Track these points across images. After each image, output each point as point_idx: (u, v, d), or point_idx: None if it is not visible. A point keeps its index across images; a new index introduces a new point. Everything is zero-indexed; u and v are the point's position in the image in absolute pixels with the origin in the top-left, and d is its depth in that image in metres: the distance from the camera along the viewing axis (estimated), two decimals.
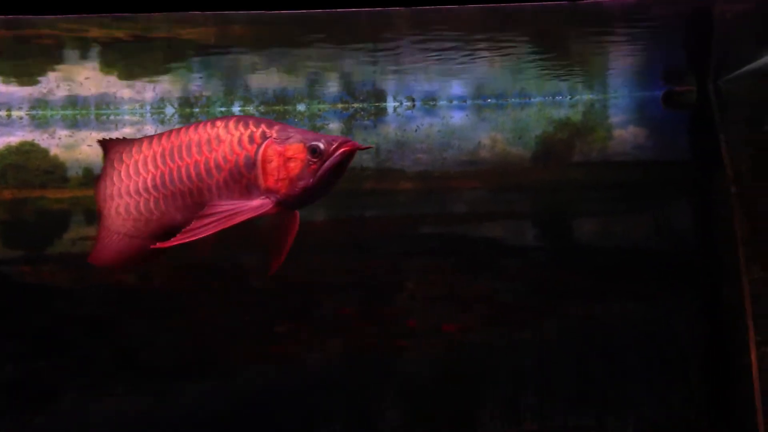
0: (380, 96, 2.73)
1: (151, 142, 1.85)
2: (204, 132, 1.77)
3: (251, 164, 1.71)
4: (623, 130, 2.77)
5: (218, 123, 1.78)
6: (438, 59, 2.38)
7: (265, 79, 2.54)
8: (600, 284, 2.72)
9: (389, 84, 2.65)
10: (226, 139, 1.74)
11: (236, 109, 2.71)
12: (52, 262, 2.65)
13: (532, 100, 2.78)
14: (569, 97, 2.78)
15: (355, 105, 2.75)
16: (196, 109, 2.69)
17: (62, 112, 2.67)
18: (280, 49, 2.28)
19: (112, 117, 2.69)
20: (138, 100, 2.63)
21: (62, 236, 2.65)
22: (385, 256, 2.71)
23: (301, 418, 2.67)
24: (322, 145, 1.67)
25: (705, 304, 2.67)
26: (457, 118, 2.77)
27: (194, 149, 1.76)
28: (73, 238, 2.64)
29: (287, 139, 1.70)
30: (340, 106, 2.76)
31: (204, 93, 2.61)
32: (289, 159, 1.68)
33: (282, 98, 2.69)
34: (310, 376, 2.68)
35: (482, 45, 2.27)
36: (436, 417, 2.70)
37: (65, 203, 2.66)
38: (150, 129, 2.68)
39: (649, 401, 2.67)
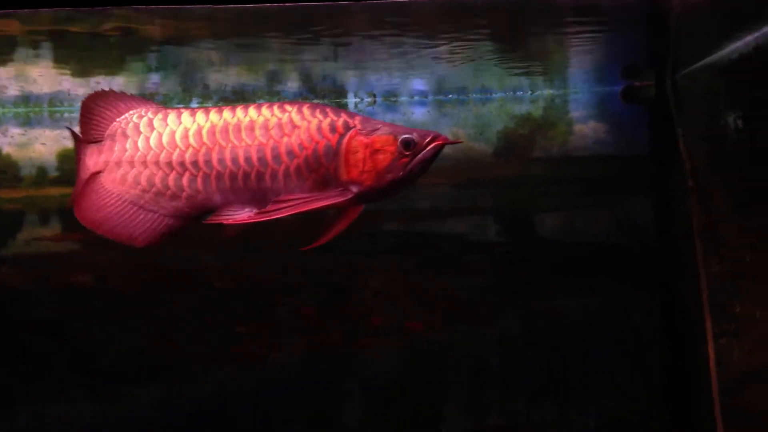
0: (341, 92, 2.71)
1: (191, 115, 1.73)
2: (271, 114, 1.69)
3: (332, 154, 1.66)
4: (584, 126, 2.78)
5: (288, 107, 1.70)
6: (399, 54, 2.37)
7: (224, 75, 2.51)
8: (561, 279, 2.73)
9: (350, 80, 2.63)
10: (302, 125, 1.67)
11: (194, 105, 2.67)
12: (6, 263, 2.59)
13: (494, 95, 2.78)
14: (530, 92, 2.78)
15: (316, 101, 2.73)
16: None
17: (14, 109, 2.61)
18: (238, 44, 2.26)
19: (66, 114, 2.63)
20: None
21: (16, 237, 2.59)
22: (348, 254, 2.69)
23: (263, 419, 2.65)
24: (415, 138, 1.65)
25: (664, 298, 2.70)
26: (419, 113, 2.76)
27: (259, 131, 1.68)
28: (27, 239, 2.59)
29: (374, 130, 1.67)
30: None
31: (161, 89, 2.57)
32: (377, 151, 1.65)
33: (241, 94, 2.65)
34: (272, 377, 2.66)
35: (443, 40, 2.27)
36: (400, 414, 2.70)
37: (19, 203, 2.60)
38: None
39: (610, 395, 2.69)
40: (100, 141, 1.77)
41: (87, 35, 2.09)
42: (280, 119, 1.68)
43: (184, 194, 1.70)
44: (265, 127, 1.68)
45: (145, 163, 1.72)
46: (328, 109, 1.70)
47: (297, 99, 2.73)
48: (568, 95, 2.79)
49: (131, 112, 1.76)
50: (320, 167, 1.66)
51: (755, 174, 2.08)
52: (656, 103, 2.66)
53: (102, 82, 2.44)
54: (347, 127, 1.67)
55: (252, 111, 1.70)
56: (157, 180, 1.72)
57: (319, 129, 1.67)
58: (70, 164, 2.60)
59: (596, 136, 2.77)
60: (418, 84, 2.70)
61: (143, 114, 1.76)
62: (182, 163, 1.70)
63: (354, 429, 2.68)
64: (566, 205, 2.78)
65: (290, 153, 1.66)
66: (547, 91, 2.78)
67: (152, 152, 1.72)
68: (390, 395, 2.69)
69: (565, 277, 2.73)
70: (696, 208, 2.45)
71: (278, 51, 2.33)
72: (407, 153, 1.64)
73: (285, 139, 1.67)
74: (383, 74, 2.58)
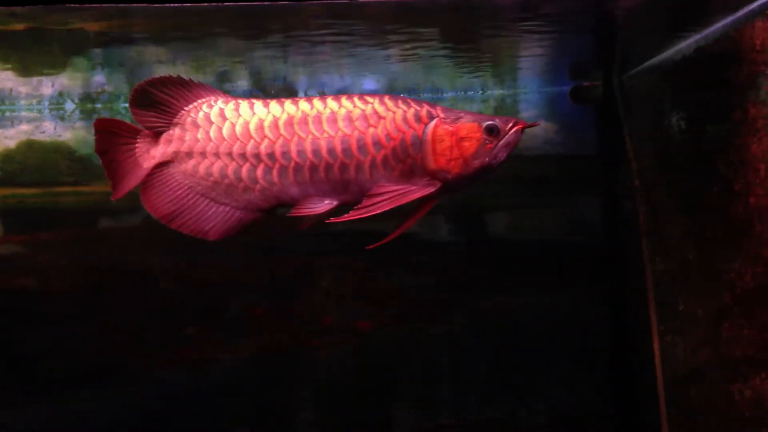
0: (291, 91, 2.68)
1: (264, 105, 1.72)
2: (353, 105, 1.69)
3: (419, 144, 1.67)
4: None
5: (368, 98, 1.71)
6: (349, 53, 2.36)
7: (172, 74, 2.47)
8: (511, 277, 2.75)
9: (300, 79, 2.61)
10: (387, 115, 1.68)
11: None
12: None
13: (445, 95, 2.79)
14: (481, 92, 2.79)
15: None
16: (98, 105, 2.60)
17: None
18: (186, 42, 2.22)
19: (7, 113, 2.57)
20: (35, 96, 2.52)
21: None
22: (297, 253, 2.68)
23: (212, 423, 2.62)
24: (498, 125, 1.68)
25: (612, 296, 2.73)
26: None
27: (342, 122, 1.67)
28: None
29: (458, 118, 1.69)
30: None
31: (106, 88, 2.52)
32: (462, 138, 1.67)
33: None
34: (221, 379, 2.63)
35: (394, 39, 2.26)
36: (352, 415, 2.69)
37: None
38: (49, 125, 2.58)
39: (559, 391, 2.72)
40: (164, 130, 1.74)
41: (29, 32, 2.03)
42: (363, 110, 1.69)
43: (258, 186, 1.69)
44: (348, 118, 1.68)
45: (217, 154, 1.70)
46: (409, 100, 1.72)
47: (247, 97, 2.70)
48: (518, 95, 2.80)
49: (200, 100, 1.74)
50: (407, 157, 1.68)
51: (698, 174, 2.12)
52: (604, 104, 2.68)
53: (45, 80, 2.39)
54: (431, 117, 1.69)
55: (331, 102, 1.71)
56: (230, 171, 1.70)
57: (405, 119, 1.68)
58: (11, 165, 2.55)
59: (546, 136, 2.79)
60: (369, 83, 2.69)
61: (213, 103, 1.74)
62: (257, 155, 1.68)
63: (305, 430, 2.66)
64: (516, 204, 2.80)
65: (377, 144, 1.67)
66: (498, 91, 2.80)
67: (225, 143, 1.70)
68: (341, 395, 2.69)
69: (515, 275, 2.74)
70: (642, 207, 2.48)
71: (227, 49, 2.30)
72: (492, 139, 1.67)
73: (371, 130, 1.67)
74: (334, 73, 2.57)
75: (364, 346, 2.69)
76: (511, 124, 1.69)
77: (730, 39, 1.91)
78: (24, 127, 2.57)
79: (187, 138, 1.72)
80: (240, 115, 1.72)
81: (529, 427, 2.71)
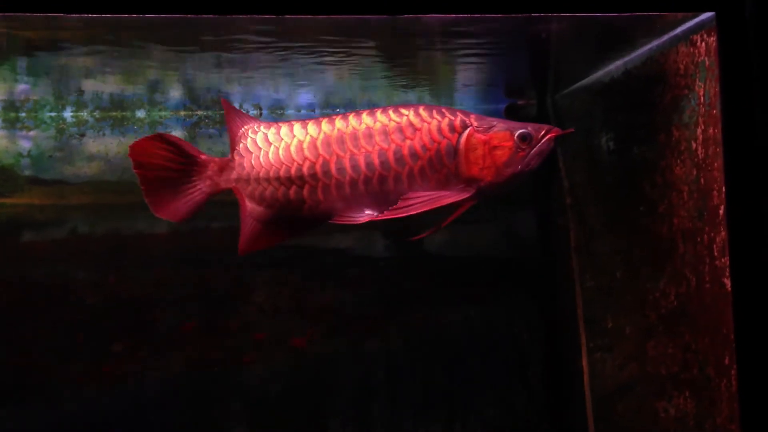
0: None
1: (302, 127, 1.75)
2: (388, 119, 1.73)
3: (453, 153, 1.69)
4: None
5: (403, 110, 1.73)
6: (285, 67, 2.33)
7: (101, 84, 2.41)
8: (446, 292, 2.75)
9: (235, 91, 2.58)
10: (422, 127, 1.71)
11: (67, 114, 2.55)
12: None
13: None
14: None
15: (199, 112, 2.66)
16: (22, 114, 2.51)
17: None
18: (118, 53, 2.17)
19: None
20: None
21: None
22: (231, 268, 2.63)
23: None
24: (531, 132, 1.70)
25: (545, 312, 2.76)
26: None
27: (378, 137, 1.71)
28: None
29: (490, 127, 1.71)
30: (182, 113, 2.66)
31: (31, 96, 2.44)
32: (495, 147, 1.69)
33: (119, 104, 2.55)
34: (149, 397, 2.56)
35: (330, 54, 2.25)
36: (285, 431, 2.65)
37: None
38: None
39: (493, 406, 2.73)
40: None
41: None
42: (399, 123, 1.72)
43: (306, 206, 1.74)
44: (384, 132, 1.72)
45: (268, 180, 1.75)
46: (443, 109, 1.75)
47: (180, 110, 2.65)
48: None
49: (245, 127, 1.81)
50: (443, 167, 1.71)
51: (625, 194, 2.15)
52: (538, 122, 2.71)
53: None
54: (465, 126, 1.72)
55: (366, 117, 1.75)
56: (280, 195, 1.75)
57: (440, 129, 1.71)
58: None
59: None
60: (305, 97, 2.67)
61: (257, 129, 1.80)
62: (301, 176, 1.73)
63: None
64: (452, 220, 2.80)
65: (413, 155, 1.70)
66: None
67: (273, 167, 1.75)
68: (274, 412, 2.64)
69: (450, 290, 2.75)
70: (573, 225, 2.51)
71: (160, 60, 2.25)
72: (524, 147, 1.71)
73: (407, 142, 1.71)
74: (269, 86, 2.54)
75: (298, 361, 2.66)
76: (543, 132, 1.73)
77: (655, 63, 1.95)
78: None
79: (244, 164, 1.78)
80: (282, 139, 1.76)
81: None
